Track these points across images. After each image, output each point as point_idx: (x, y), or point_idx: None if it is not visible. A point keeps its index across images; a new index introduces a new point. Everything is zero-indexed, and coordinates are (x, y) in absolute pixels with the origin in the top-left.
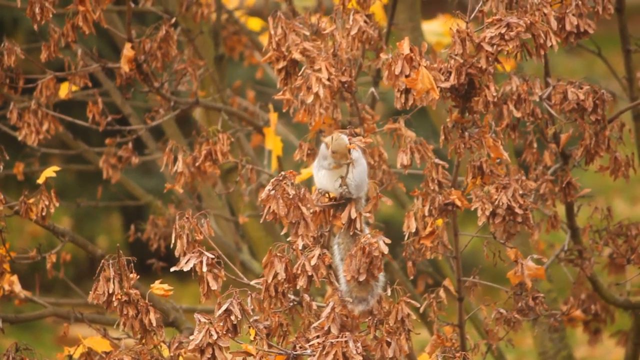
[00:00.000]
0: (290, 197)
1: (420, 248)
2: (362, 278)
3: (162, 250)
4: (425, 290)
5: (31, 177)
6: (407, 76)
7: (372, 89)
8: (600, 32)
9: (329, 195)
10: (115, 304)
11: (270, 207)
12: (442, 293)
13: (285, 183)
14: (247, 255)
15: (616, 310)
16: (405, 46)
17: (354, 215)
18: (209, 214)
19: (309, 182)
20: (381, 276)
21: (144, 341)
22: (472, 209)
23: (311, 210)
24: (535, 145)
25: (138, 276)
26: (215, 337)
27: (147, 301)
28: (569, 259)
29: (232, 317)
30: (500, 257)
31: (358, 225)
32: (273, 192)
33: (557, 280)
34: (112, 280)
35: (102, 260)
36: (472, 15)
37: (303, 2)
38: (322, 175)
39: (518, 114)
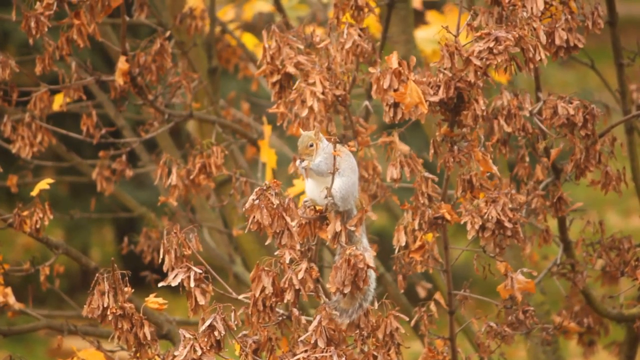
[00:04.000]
0: (275, 206)
1: (411, 261)
2: (346, 290)
3: (155, 263)
4: (422, 300)
5: (24, 189)
6: (395, 90)
7: (366, 102)
8: (593, 45)
9: (316, 208)
10: (109, 317)
11: (254, 216)
12: (433, 306)
13: (269, 193)
14: (240, 267)
15: (610, 322)
16: (393, 60)
17: (338, 228)
18: (200, 228)
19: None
20: (371, 289)
21: (138, 355)
22: (462, 222)
23: (296, 222)
24: (527, 159)
25: (133, 290)
26: (199, 352)
27: (141, 314)
28: (561, 272)
29: (216, 333)
30: (491, 270)
31: (343, 239)
32: (257, 201)
33: (550, 292)
34: (106, 294)
35: (97, 274)
36: (461, 30)
37: (296, 12)
38: (309, 184)
39: (509, 129)
